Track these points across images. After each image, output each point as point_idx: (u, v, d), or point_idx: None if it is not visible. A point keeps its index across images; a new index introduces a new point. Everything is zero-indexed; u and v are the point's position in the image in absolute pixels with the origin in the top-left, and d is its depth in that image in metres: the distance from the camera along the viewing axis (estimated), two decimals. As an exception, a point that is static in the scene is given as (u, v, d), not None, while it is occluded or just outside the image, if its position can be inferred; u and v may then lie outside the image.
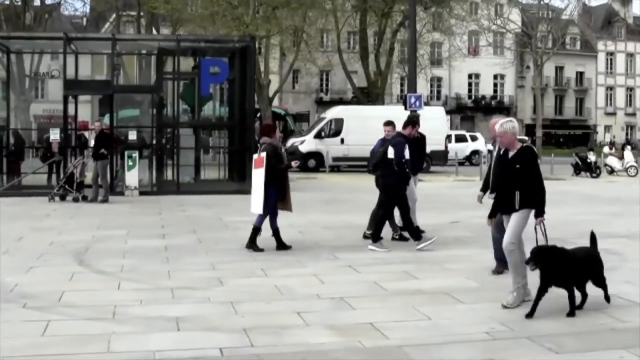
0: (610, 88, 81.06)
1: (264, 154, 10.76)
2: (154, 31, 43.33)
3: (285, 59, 51.21)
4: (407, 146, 11.10)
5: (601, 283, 7.33)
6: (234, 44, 24.85)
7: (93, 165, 19.12)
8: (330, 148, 34.51)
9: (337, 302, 7.66)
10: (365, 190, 23.34)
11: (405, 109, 24.51)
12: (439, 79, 70.70)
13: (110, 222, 14.63)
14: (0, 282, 8.52)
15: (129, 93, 28.66)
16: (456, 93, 73.02)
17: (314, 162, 34.39)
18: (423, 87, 55.26)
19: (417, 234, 11.23)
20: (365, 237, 11.97)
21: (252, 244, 10.94)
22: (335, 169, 34.54)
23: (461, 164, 38.91)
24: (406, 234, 11.67)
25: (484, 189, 9.05)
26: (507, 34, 45.24)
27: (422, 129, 12.45)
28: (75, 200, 18.50)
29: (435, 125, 31.44)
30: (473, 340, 6.26)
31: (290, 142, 36.37)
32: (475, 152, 44.25)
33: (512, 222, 7.32)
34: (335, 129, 35.23)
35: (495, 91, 75.38)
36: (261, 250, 10.82)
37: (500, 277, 8.75)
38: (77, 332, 6.48)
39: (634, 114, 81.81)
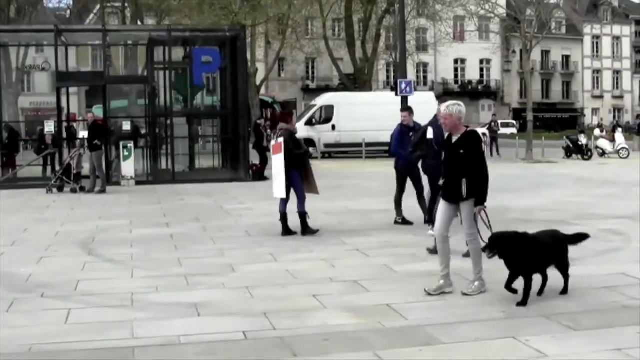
0: (597, 71, 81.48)
1: (281, 140, 10.86)
2: (139, 22, 43.13)
3: (271, 47, 51.13)
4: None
5: (564, 268, 7.10)
6: (224, 34, 24.87)
7: (88, 157, 19.14)
8: (322, 135, 34.45)
9: (351, 284, 7.75)
10: (358, 177, 23.63)
11: (397, 94, 24.57)
12: (425, 65, 70.73)
13: (112, 212, 14.66)
14: (15, 273, 8.56)
15: (122, 84, 28.61)
16: (442, 78, 73.19)
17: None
18: (410, 72, 54.68)
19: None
20: (396, 222, 12.10)
21: (305, 230, 11.01)
22: (326, 156, 34.59)
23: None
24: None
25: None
26: (494, 18, 45.18)
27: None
28: (74, 191, 18.54)
29: (425, 110, 31.36)
30: (491, 319, 6.34)
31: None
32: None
33: (464, 214, 7.16)
34: (326, 116, 35.17)
35: (481, 76, 75.63)
36: (317, 231, 11.02)
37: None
38: (99, 319, 6.54)
39: (621, 97, 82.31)
